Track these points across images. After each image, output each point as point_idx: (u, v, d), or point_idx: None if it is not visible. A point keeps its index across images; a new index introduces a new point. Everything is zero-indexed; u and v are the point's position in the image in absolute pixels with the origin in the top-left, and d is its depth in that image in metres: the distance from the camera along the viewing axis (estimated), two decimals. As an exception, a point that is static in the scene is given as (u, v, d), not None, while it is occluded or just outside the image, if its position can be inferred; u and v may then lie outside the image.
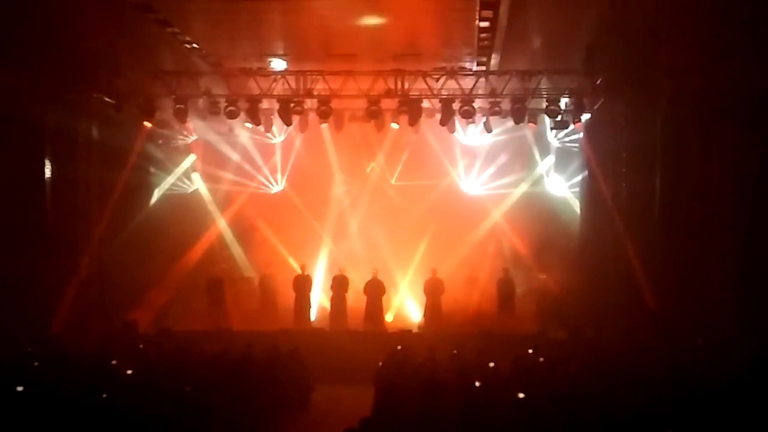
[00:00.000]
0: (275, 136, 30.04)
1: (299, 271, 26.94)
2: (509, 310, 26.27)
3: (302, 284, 26.69)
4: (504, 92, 24.25)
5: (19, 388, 14.65)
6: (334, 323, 25.69)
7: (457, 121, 26.34)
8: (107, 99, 24.60)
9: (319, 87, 24.47)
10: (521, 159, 30.09)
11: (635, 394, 14.42)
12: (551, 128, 27.58)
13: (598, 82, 23.78)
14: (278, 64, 24.73)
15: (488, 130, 26.52)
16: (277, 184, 31.05)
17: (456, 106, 24.20)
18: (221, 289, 27.16)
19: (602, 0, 18.49)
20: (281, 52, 23.95)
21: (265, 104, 25.58)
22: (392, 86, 24.21)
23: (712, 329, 19.86)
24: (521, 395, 14.54)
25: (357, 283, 26.76)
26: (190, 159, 30.78)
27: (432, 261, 28.09)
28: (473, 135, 29.71)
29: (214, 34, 22.15)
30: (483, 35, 20.83)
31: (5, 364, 16.87)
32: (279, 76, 24.41)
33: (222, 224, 30.33)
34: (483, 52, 22.55)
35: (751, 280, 18.77)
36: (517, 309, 26.59)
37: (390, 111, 25.65)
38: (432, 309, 26.19)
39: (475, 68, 24.28)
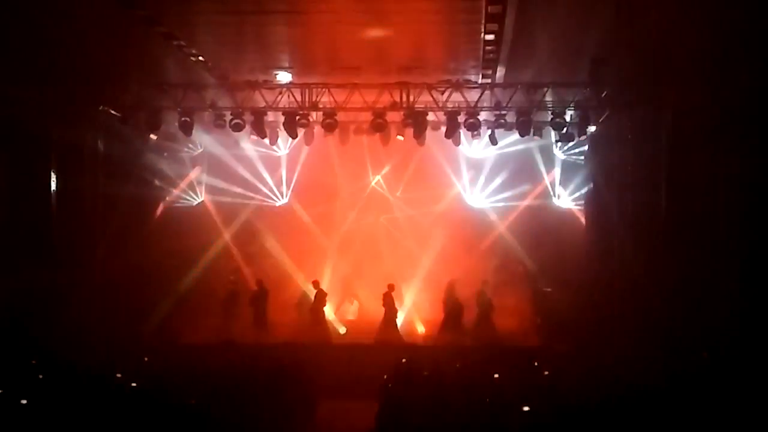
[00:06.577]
0: (281, 149, 30.07)
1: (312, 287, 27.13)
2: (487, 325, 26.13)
3: (318, 300, 26.78)
4: (509, 105, 24.25)
5: (24, 401, 14.63)
6: (313, 336, 25.67)
7: (463, 133, 26.36)
8: (113, 112, 24.73)
9: (325, 100, 24.49)
10: (526, 172, 30.03)
11: (640, 406, 14.37)
12: (556, 141, 27.61)
13: (603, 94, 23.81)
14: (284, 77, 24.75)
15: (493, 142, 26.46)
16: (282, 196, 31.07)
17: (461, 118, 24.20)
18: (227, 301, 27.19)
19: (608, 13, 18.45)
20: (287, 64, 23.98)
21: (270, 117, 25.65)
22: (397, 99, 24.22)
23: (718, 342, 19.79)
24: (526, 408, 14.50)
25: (364, 296, 26.89)
26: (196, 171, 30.83)
27: (437, 273, 28.18)
28: (478, 148, 29.71)
29: (220, 47, 22.18)
30: (488, 48, 20.82)
31: (9, 376, 16.86)
32: (284, 89, 24.45)
33: (227, 237, 30.29)
34: (488, 64, 22.55)
35: (758, 292, 18.69)
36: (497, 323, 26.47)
37: (395, 124, 25.69)
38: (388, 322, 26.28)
39: (480, 81, 24.27)
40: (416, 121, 24.49)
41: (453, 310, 26.02)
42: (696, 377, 17.21)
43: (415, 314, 28.26)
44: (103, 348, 22.07)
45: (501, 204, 30.40)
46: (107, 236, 25.32)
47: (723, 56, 18.67)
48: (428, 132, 25.54)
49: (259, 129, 25.07)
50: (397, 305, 26.58)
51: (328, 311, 27.75)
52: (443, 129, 25.09)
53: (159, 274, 27.18)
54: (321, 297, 26.73)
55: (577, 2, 17.70)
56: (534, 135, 25.58)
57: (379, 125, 24.49)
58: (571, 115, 24.76)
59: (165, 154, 29.53)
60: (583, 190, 28.33)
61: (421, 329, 27.70)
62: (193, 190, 30.91)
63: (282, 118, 24.74)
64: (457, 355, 20.60)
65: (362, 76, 23.84)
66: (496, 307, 26.27)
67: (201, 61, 22.84)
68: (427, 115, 24.54)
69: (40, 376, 17.33)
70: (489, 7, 17.57)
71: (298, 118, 24.50)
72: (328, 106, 24.50)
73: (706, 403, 14.37)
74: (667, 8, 17.47)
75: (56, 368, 18.38)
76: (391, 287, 26.64)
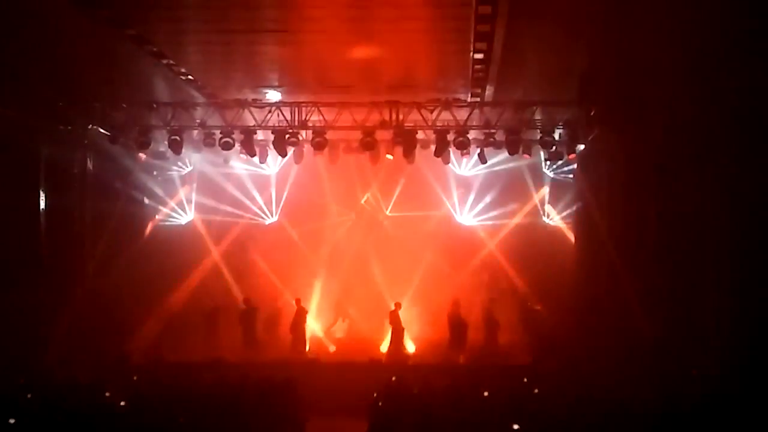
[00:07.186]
0: (270, 168, 30.07)
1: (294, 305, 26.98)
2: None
3: (298, 317, 26.63)
4: (498, 123, 24.32)
5: (12, 420, 14.56)
6: (294, 353, 25.60)
7: (452, 152, 26.39)
8: (102, 130, 24.71)
9: (314, 118, 24.52)
10: (516, 190, 30.10)
11: (629, 425, 14.37)
12: (545, 159, 27.68)
13: (592, 113, 23.85)
14: (273, 96, 24.79)
15: (483, 161, 26.52)
16: (271, 215, 31.07)
17: (450, 137, 24.24)
18: (216, 320, 27.10)
19: (596, 31, 18.56)
20: (276, 83, 24.02)
21: (260, 135, 25.64)
22: (387, 117, 24.25)
23: (707, 360, 19.81)
24: (516, 426, 14.48)
25: (354, 314, 26.90)
26: (185, 190, 30.80)
27: (427, 292, 28.16)
28: (468, 166, 29.76)
29: (209, 65, 22.22)
30: (477, 67, 20.89)
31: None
32: (274, 108, 24.46)
33: (216, 255, 30.24)
34: (477, 83, 22.61)
35: (747, 310, 18.72)
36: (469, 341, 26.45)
37: (385, 142, 25.72)
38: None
39: (469, 99, 24.33)
40: (406, 140, 24.51)
41: (459, 327, 26.02)
42: (685, 395, 17.22)
43: (405, 332, 28.17)
44: (91, 367, 22.02)
45: (490, 222, 30.43)
46: (96, 255, 25.30)
47: (711, 74, 18.75)
48: (417, 150, 25.57)
49: (249, 147, 25.07)
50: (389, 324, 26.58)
51: (316, 329, 27.73)
52: (432, 147, 25.13)
53: (148, 293, 27.09)
54: (301, 314, 26.68)
55: (566, 21, 17.75)
56: (523, 153, 25.63)
57: (368, 144, 24.49)
58: (560, 134, 24.83)
59: (154, 172, 29.53)
60: (572, 209, 28.37)
61: (411, 348, 27.65)
62: (182, 209, 30.89)
63: (271, 137, 24.78)
64: (446, 373, 20.55)
65: (352, 95, 23.87)
66: (501, 325, 26.36)
67: (190, 79, 22.87)
68: (417, 133, 24.56)
69: (29, 396, 17.26)
70: (478, 27, 17.63)
71: (287, 136, 24.51)
72: (317, 124, 24.53)
73: (696, 421, 14.38)
74: (655, 26, 17.56)
75: (45, 387, 18.32)
76: (397, 305, 26.68)
